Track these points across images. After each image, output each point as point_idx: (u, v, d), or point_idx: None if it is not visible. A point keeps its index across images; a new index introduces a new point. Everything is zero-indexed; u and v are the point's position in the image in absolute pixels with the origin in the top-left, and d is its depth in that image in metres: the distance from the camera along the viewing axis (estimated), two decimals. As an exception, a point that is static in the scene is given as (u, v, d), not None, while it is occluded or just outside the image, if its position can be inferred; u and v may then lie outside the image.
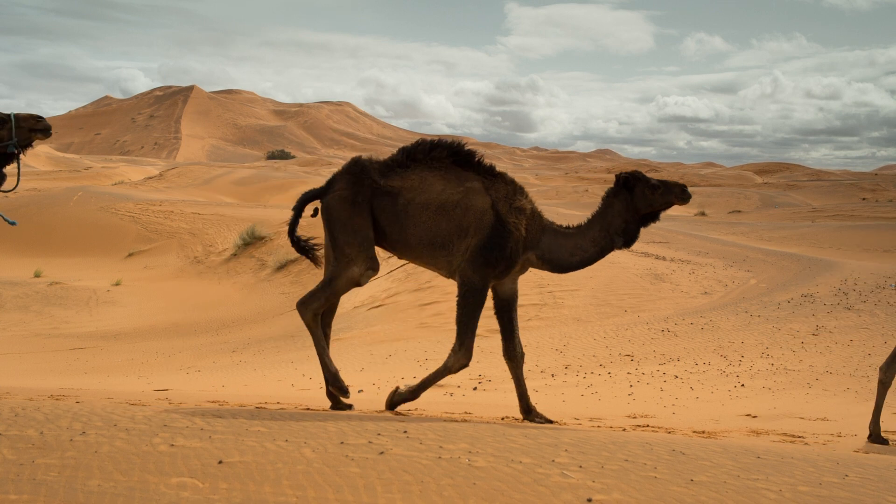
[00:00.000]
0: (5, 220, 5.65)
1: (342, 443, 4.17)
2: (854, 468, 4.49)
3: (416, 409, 6.87)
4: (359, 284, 5.94)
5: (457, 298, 5.93)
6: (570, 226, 6.18)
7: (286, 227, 6.70)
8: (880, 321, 12.28)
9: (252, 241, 27.41)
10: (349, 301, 19.70)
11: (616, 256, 20.19)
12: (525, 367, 11.31)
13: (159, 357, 15.63)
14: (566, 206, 43.97)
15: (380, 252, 6.28)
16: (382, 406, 6.88)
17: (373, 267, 5.92)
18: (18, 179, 5.40)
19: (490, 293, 6.11)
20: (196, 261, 28.14)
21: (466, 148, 6.05)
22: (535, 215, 6.07)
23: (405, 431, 4.53)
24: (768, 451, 4.80)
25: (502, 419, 6.25)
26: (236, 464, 3.75)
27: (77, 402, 5.27)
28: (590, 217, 6.13)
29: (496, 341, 13.31)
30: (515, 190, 6.01)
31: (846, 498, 3.78)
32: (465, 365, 5.89)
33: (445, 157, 5.98)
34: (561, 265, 6.10)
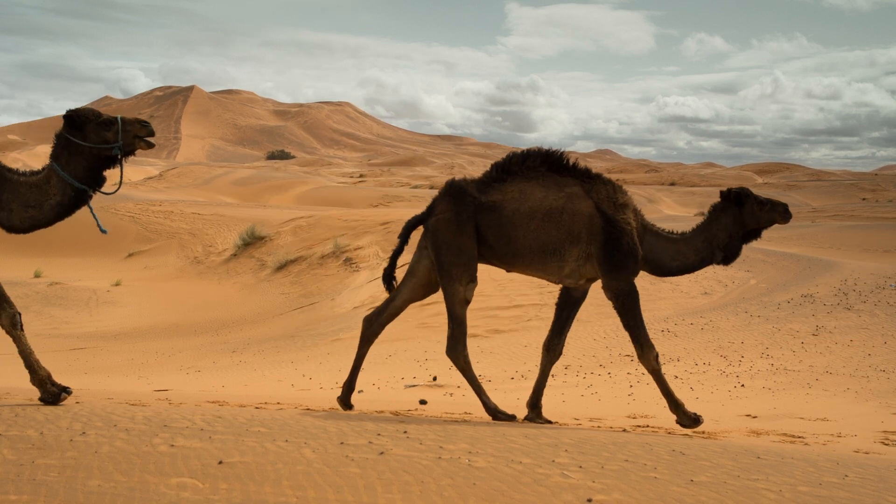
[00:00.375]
0: (99, 227, 5.67)
1: (342, 443, 4.17)
2: (854, 468, 4.49)
3: (416, 409, 6.87)
4: (468, 302, 6.05)
5: (617, 311, 6.12)
6: (674, 231, 6.33)
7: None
8: (880, 321, 12.27)
9: (252, 241, 27.40)
10: (349, 301, 19.70)
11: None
12: (525, 367, 11.33)
13: (159, 357, 15.63)
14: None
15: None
16: (382, 406, 6.89)
17: (473, 280, 6.00)
18: (120, 183, 5.36)
19: (561, 287, 6.29)
20: (196, 261, 28.14)
21: (559, 154, 6.15)
22: (638, 213, 6.21)
23: (405, 432, 4.53)
24: (768, 452, 4.80)
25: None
26: (236, 464, 3.75)
27: (77, 403, 5.27)
28: (694, 227, 6.29)
29: (496, 342, 13.35)
30: (615, 188, 6.13)
31: (846, 498, 3.78)
32: (657, 354, 6.09)
33: (539, 165, 6.08)
34: (661, 268, 6.26)
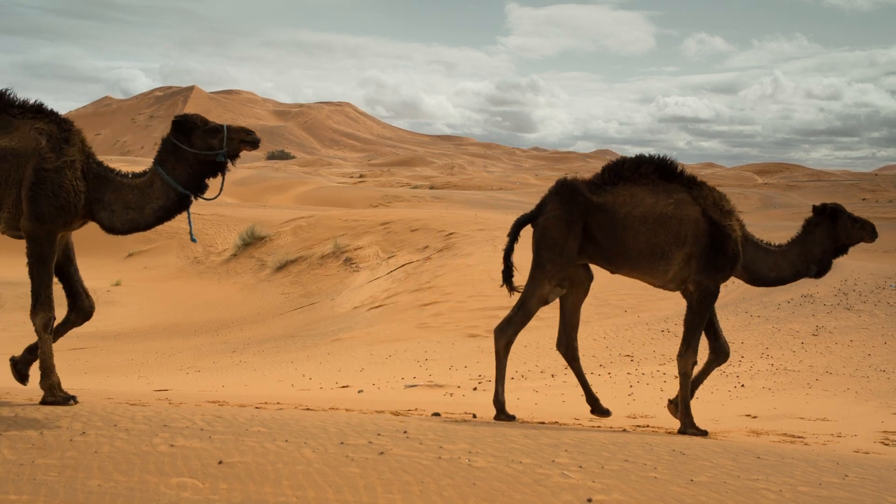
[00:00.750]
0: (191, 235, 5.76)
1: (342, 443, 4.17)
2: (854, 468, 4.49)
3: (416, 409, 6.87)
4: (546, 302, 6.21)
5: (689, 305, 6.21)
6: (771, 243, 6.53)
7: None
8: (880, 321, 12.28)
9: (252, 241, 27.39)
10: (349, 301, 19.70)
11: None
12: (525, 367, 11.34)
13: (159, 357, 15.63)
14: (566, 206, 43.86)
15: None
16: (382, 406, 6.88)
17: (562, 285, 6.19)
18: (221, 189, 5.43)
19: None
20: (196, 261, 28.14)
21: (671, 162, 6.35)
22: (741, 222, 6.39)
23: (405, 432, 4.53)
24: (768, 452, 4.81)
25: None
26: (236, 464, 3.75)
27: (77, 403, 5.28)
28: (790, 240, 6.48)
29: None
30: (721, 196, 6.33)
31: (846, 498, 3.78)
32: (696, 362, 6.17)
33: (651, 171, 6.25)
34: (758, 277, 6.44)
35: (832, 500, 3.72)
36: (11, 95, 5.42)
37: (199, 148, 5.28)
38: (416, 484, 3.56)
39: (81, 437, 4.12)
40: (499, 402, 6.15)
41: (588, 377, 10.35)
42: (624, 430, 6.07)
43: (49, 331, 5.23)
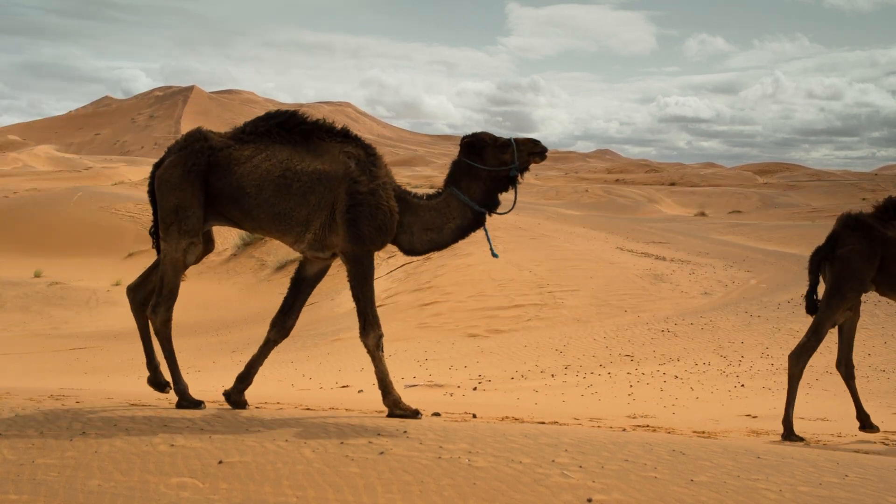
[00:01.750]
0: (492, 251, 5.76)
1: (342, 443, 4.17)
2: (854, 468, 4.49)
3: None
4: (836, 325, 6.69)
5: None
6: None
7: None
8: (880, 321, 12.28)
9: (252, 241, 27.38)
10: (349, 301, 19.68)
11: (616, 256, 20.19)
12: (525, 367, 11.34)
13: (159, 357, 15.62)
14: (566, 206, 43.97)
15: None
16: (382, 406, 6.88)
17: (851, 308, 6.64)
18: (514, 202, 5.44)
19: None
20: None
21: None
22: None
23: (405, 431, 4.53)
24: (768, 452, 4.80)
25: (502, 419, 6.25)
26: (236, 464, 3.75)
27: (77, 402, 5.28)
28: None
29: (495, 342, 13.35)
30: None
31: (846, 498, 3.78)
32: None
33: None
34: None
35: (832, 500, 3.72)
36: (318, 121, 5.46)
37: (491, 165, 5.34)
38: (416, 484, 3.56)
39: (81, 437, 4.12)
40: (788, 422, 6.40)
41: (588, 377, 10.35)
42: (624, 430, 6.06)
43: (380, 349, 5.31)
